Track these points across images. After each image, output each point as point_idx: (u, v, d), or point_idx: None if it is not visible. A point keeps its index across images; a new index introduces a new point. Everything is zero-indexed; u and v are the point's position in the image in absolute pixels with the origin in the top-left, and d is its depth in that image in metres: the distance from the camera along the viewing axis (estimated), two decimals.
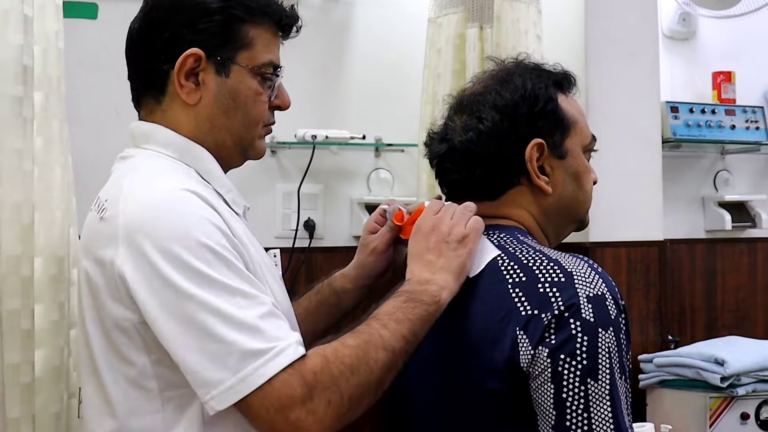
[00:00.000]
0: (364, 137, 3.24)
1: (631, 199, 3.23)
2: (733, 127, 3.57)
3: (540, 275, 1.50)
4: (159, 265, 1.44)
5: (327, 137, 3.15)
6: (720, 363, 2.92)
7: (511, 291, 1.51)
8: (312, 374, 1.40)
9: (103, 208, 1.56)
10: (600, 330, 1.45)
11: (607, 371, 1.45)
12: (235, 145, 1.68)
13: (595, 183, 1.69)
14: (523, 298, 1.50)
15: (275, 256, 1.78)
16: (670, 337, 3.32)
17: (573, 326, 1.45)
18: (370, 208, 3.27)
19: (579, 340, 1.44)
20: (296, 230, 3.21)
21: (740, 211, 3.75)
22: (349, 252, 3.03)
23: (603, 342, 1.45)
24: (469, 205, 1.62)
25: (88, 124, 2.88)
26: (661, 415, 3.08)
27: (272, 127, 1.73)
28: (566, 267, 1.50)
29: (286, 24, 1.70)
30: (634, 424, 2.80)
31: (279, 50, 1.71)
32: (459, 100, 1.66)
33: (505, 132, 1.59)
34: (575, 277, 1.48)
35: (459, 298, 1.57)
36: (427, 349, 1.56)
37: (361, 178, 3.36)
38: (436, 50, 3.07)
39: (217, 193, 1.65)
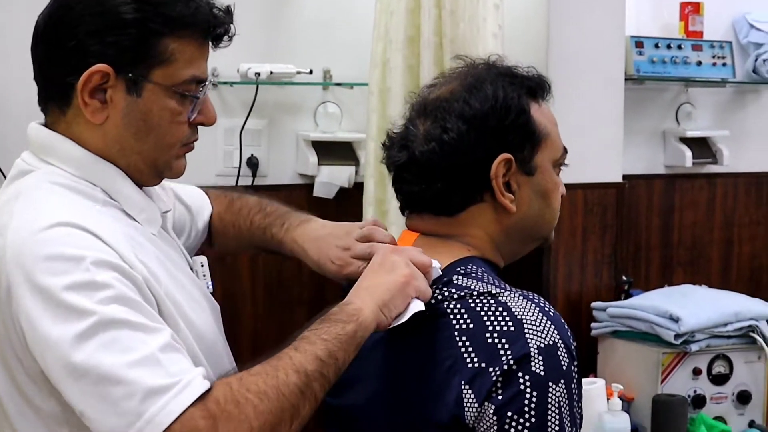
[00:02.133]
0: (311, 72, 3.16)
1: (590, 140, 3.19)
2: (699, 63, 3.52)
3: (488, 323, 1.44)
4: (42, 309, 1.35)
5: (271, 73, 3.08)
6: (675, 320, 2.90)
7: (457, 339, 1.45)
8: (215, 404, 1.32)
9: None
10: (551, 384, 1.40)
11: (557, 428, 1.41)
12: (148, 167, 1.57)
13: (562, 197, 1.64)
14: (470, 348, 1.44)
15: (202, 265, 1.67)
16: (624, 278, 3.29)
17: (522, 381, 1.40)
18: (317, 144, 3.26)
19: (528, 396, 1.39)
20: (239, 168, 3.19)
21: (702, 146, 3.72)
22: (294, 190, 3.27)
23: (553, 397, 1.40)
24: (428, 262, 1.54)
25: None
26: (612, 366, 3.08)
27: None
28: (516, 314, 1.44)
29: (216, 34, 1.56)
30: (584, 379, 2.85)
31: (206, 61, 1.56)
32: (423, 103, 1.59)
33: (471, 145, 1.53)
34: (525, 325, 1.43)
35: (404, 338, 1.51)
36: (372, 384, 1.54)
37: (308, 112, 3.30)
38: None
39: (126, 214, 1.55)
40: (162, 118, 1.52)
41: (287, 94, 3.24)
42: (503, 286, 1.50)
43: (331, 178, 3.25)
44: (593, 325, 3.13)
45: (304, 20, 3.23)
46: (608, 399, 2.86)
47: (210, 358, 1.54)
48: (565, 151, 1.63)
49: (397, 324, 1.46)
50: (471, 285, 1.50)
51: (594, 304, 3.14)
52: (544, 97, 1.61)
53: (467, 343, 1.43)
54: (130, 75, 1.50)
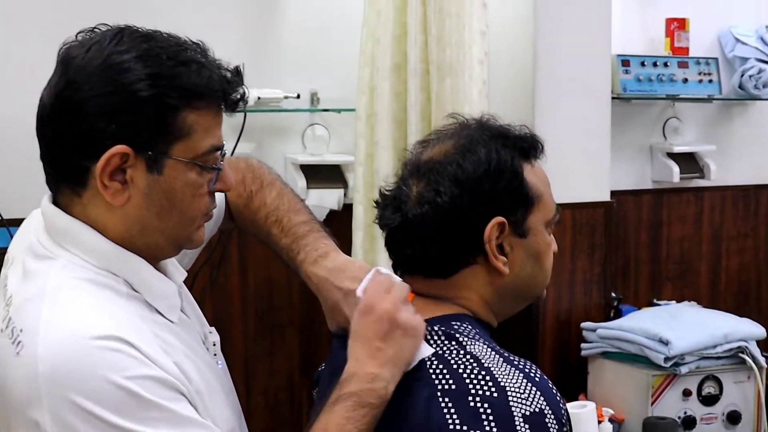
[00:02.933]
0: (298, 96, 3.15)
1: (578, 158, 3.20)
2: (685, 80, 3.53)
3: (471, 387, 1.42)
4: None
5: (259, 99, 3.05)
6: (664, 342, 2.90)
7: (440, 399, 1.43)
8: None
9: (18, 340, 1.38)
10: None
11: None
12: (169, 244, 1.51)
13: (554, 254, 1.63)
14: (452, 410, 1.41)
15: (215, 344, 1.61)
16: (613, 295, 3.30)
17: None
18: (305, 168, 3.23)
19: None
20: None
21: (689, 161, 3.72)
22: None
23: None
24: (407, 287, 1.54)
25: None
26: (602, 387, 3.09)
27: None
28: (499, 379, 1.41)
29: (229, 100, 1.49)
30: (570, 403, 2.86)
31: (220, 127, 1.51)
32: (416, 164, 1.57)
33: (465, 208, 1.51)
34: (509, 393, 1.40)
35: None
36: None
37: (296, 135, 3.28)
38: (376, 11, 2.97)
39: (149, 304, 1.49)
40: (185, 193, 1.46)
41: (274, 116, 3.21)
42: (491, 348, 1.48)
43: (321, 201, 3.22)
44: (583, 345, 3.14)
45: (289, 43, 3.20)
46: (599, 423, 2.88)
47: None
48: (558, 210, 1.62)
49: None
50: (460, 339, 1.49)
51: (584, 325, 3.15)
52: (537, 157, 1.60)
53: (450, 405, 1.41)
54: (150, 153, 1.43)
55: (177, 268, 1.60)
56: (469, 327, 1.53)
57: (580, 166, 3.19)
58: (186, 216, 1.48)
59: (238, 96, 1.50)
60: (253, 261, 3.22)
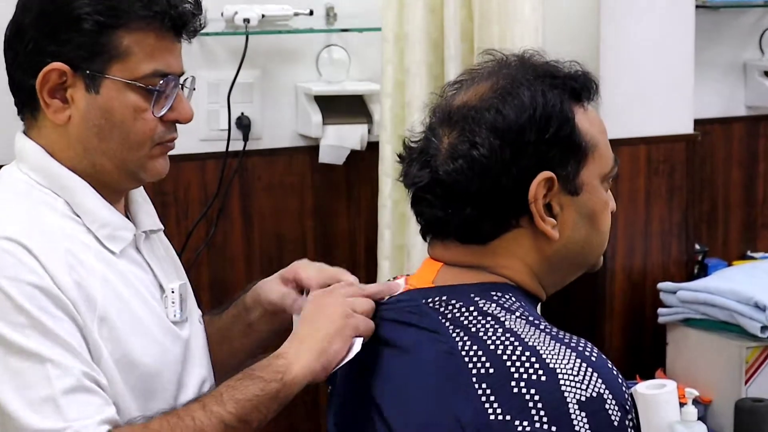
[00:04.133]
0: (311, 13, 3.15)
1: (653, 81, 3.14)
2: None
3: (513, 369, 1.44)
4: None
5: (263, 17, 3.07)
6: (761, 308, 2.82)
7: (476, 386, 1.45)
8: None
9: None
10: None
11: None
12: (117, 169, 1.71)
13: (612, 213, 1.64)
14: (492, 398, 1.43)
15: (173, 291, 1.78)
16: (697, 247, 3.27)
17: None
18: (321, 99, 3.22)
19: None
20: (228, 130, 3.15)
21: None
22: (295, 156, 3.33)
23: None
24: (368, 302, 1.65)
25: None
26: (684, 361, 3.05)
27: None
28: (547, 360, 1.44)
29: (175, 24, 1.70)
30: (645, 381, 2.72)
31: (176, 54, 1.72)
32: (446, 110, 1.59)
33: (506, 163, 1.54)
34: (561, 376, 1.42)
35: (400, 387, 1.54)
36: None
37: (309, 60, 3.28)
38: None
39: (88, 229, 1.69)
40: (124, 114, 1.68)
41: (283, 38, 3.21)
42: (533, 326, 1.50)
43: (340, 140, 3.23)
44: (661, 310, 3.08)
45: None
46: (681, 405, 2.72)
47: (147, 389, 1.68)
48: (616, 162, 1.63)
49: (337, 368, 1.57)
50: (498, 315, 1.52)
51: (661, 285, 3.09)
52: (591, 98, 1.61)
53: (488, 392, 1.43)
54: (87, 72, 1.66)
55: (150, 216, 1.82)
56: (513, 299, 1.56)
57: (656, 90, 3.15)
58: (129, 139, 1.69)
59: (185, 20, 1.69)
60: (258, 214, 3.27)
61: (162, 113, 1.70)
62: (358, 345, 1.58)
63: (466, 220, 1.57)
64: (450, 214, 1.57)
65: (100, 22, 1.65)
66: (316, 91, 3.21)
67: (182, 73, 1.74)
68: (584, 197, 1.59)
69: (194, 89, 1.80)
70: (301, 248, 3.28)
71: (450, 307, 1.56)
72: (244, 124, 3.22)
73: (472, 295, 1.56)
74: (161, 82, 1.68)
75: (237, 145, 3.19)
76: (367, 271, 3.28)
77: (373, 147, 3.19)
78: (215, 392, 1.59)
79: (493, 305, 1.55)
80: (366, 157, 3.26)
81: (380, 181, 3.09)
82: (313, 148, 3.28)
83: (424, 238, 1.64)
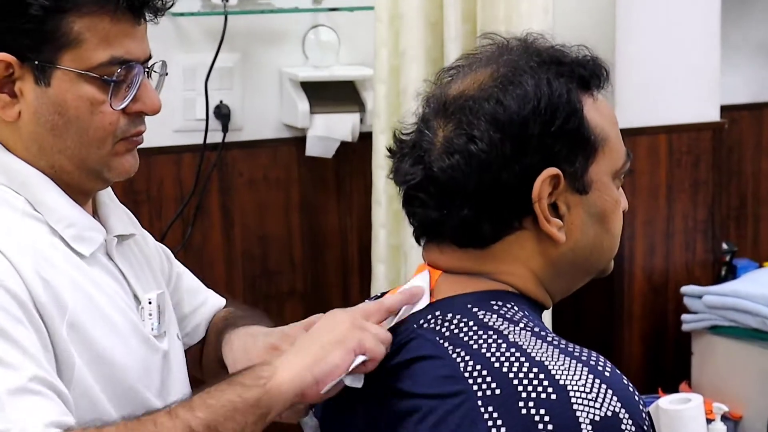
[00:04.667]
0: None
1: (676, 66, 3.15)
2: None
3: (521, 388, 1.43)
4: None
5: None
6: None
7: (482, 409, 1.43)
8: None
9: None
10: None
11: None
12: (77, 169, 1.68)
13: (624, 213, 1.64)
14: (498, 421, 1.42)
15: (150, 302, 1.76)
16: (725, 247, 3.28)
17: None
18: (308, 85, 3.21)
19: None
20: (206, 120, 3.16)
21: None
22: (280, 148, 3.31)
23: None
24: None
25: None
26: (711, 373, 3.04)
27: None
28: (557, 377, 1.43)
29: (132, 5, 1.65)
30: (669, 396, 2.82)
31: (138, 37, 1.67)
32: (442, 100, 1.58)
33: (507, 159, 1.52)
34: (572, 393, 1.41)
35: (398, 412, 1.52)
36: None
37: (294, 42, 3.27)
38: None
39: (53, 230, 1.67)
40: (79, 108, 1.64)
41: (266, 18, 3.20)
42: (540, 338, 1.50)
43: (329, 131, 3.22)
44: (685, 317, 3.08)
45: None
46: (708, 421, 2.82)
47: (127, 399, 1.66)
48: (629, 156, 1.62)
49: (329, 390, 1.50)
50: (500, 328, 1.51)
51: (685, 289, 3.09)
52: (601, 87, 1.59)
53: (494, 415, 1.43)
54: (35, 62, 1.62)
55: (122, 221, 1.79)
56: (515, 308, 1.56)
57: (678, 74, 3.15)
58: (87, 135, 1.65)
59: (144, 1, 1.66)
60: (240, 212, 3.27)
61: (123, 105, 1.66)
62: (359, 360, 1.52)
63: (463, 222, 1.55)
64: (445, 215, 1.56)
65: (46, 7, 1.61)
66: (303, 76, 3.19)
67: (148, 59, 1.69)
68: (593, 196, 1.58)
69: (166, 74, 1.75)
70: (287, 250, 3.28)
71: (447, 324, 1.54)
72: (223, 114, 3.21)
73: (470, 306, 1.54)
74: (119, 70, 1.64)
75: (216, 137, 3.18)
76: (360, 276, 3.30)
77: (365, 138, 3.19)
78: (187, 398, 1.54)
79: (494, 316, 1.53)
80: (358, 149, 3.24)
81: (374, 176, 3.10)
82: (299, 140, 3.26)
83: (418, 241, 1.63)
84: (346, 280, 3.35)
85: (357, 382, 1.52)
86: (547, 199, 1.54)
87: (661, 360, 3.17)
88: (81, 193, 1.71)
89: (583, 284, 1.65)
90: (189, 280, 2.02)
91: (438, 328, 1.54)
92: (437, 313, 1.55)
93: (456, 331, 1.52)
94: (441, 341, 1.52)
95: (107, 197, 1.79)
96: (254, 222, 3.27)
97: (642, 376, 3.07)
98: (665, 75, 3.12)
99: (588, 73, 1.58)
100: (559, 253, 1.58)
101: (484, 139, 1.52)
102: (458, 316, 1.53)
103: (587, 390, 1.41)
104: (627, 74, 3.05)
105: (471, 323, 1.52)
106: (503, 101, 1.53)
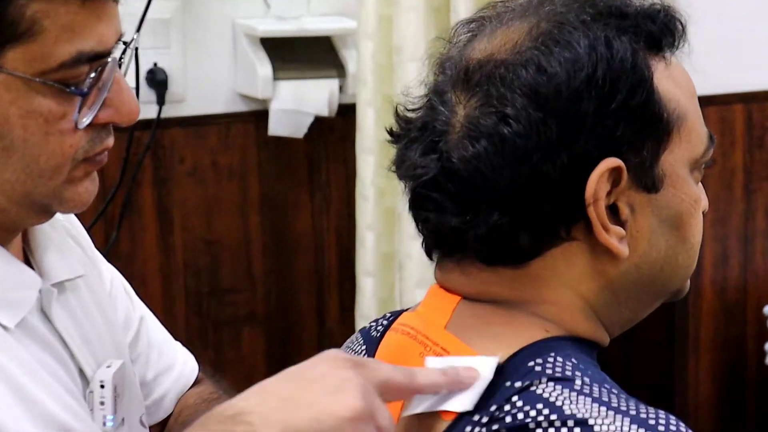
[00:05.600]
0: None
1: (754, 21, 3.13)
2: None
3: None
4: None
5: None
6: None
7: None
8: None
9: None
10: None
11: None
12: (16, 204, 1.53)
13: (704, 214, 1.57)
14: None
15: (102, 386, 1.61)
16: None
17: None
18: (270, 44, 3.18)
19: None
20: (136, 89, 3.05)
21: None
22: (234, 126, 3.31)
23: None
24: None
25: None
26: None
27: None
28: None
29: None
30: None
31: (113, 17, 1.50)
32: (461, 66, 1.51)
33: (552, 145, 1.45)
34: None
35: None
36: None
37: None
38: None
39: None
40: (28, 128, 1.48)
41: None
42: (600, 402, 1.42)
43: (298, 103, 3.17)
44: None
45: None
46: None
47: None
48: (712, 140, 1.53)
49: None
50: (569, 408, 1.41)
51: None
52: (676, 47, 1.50)
53: None
54: None
55: (64, 258, 1.66)
56: (561, 361, 1.48)
57: (759, 29, 3.12)
58: (38, 165, 1.50)
59: None
60: (181, 210, 3.23)
61: (90, 119, 1.50)
62: None
63: (492, 231, 1.47)
64: (469, 222, 1.48)
65: None
66: (263, 31, 3.15)
67: (119, 39, 1.54)
68: (666, 194, 1.49)
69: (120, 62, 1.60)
70: (244, 260, 3.25)
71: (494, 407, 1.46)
72: (157, 80, 3.15)
73: (512, 382, 1.44)
74: (92, 76, 1.47)
75: (149, 111, 3.09)
76: (340, 293, 3.27)
77: (347, 112, 3.17)
78: None
79: (561, 384, 1.42)
80: (337, 127, 3.22)
81: (359, 162, 3.05)
82: (259, 115, 3.22)
83: (430, 256, 1.55)
84: (322, 300, 3.31)
85: None
86: (605, 200, 1.45)
87: (738, 402, 3.15)
88: (8, 231, 1.58)
89: (651, 311, 1.58)
90: (153, 328, 1.93)
91: (480, 416, 1.44)
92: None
93: (505, 416, 1.42)
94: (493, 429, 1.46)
95: (40, 229, 1.67)
96: (200, 224, 3.22)
97: (714, 425, 3.03)
98: (745, 42, 3.12)
99: (658, 29, 1.48)
100: (620, 271, 1.50)
101: (521, 119, 1.44)
102: (501, 398, 1.44)
103: None
104: (700, 40, 2.98)
105: (521, 404, 1.42)
106: (546, 68, 1.45)
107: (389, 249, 3.03)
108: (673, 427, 1.39)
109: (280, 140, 3.20)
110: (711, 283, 3.08)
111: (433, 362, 1.49)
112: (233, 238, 3.23)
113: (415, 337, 1.53)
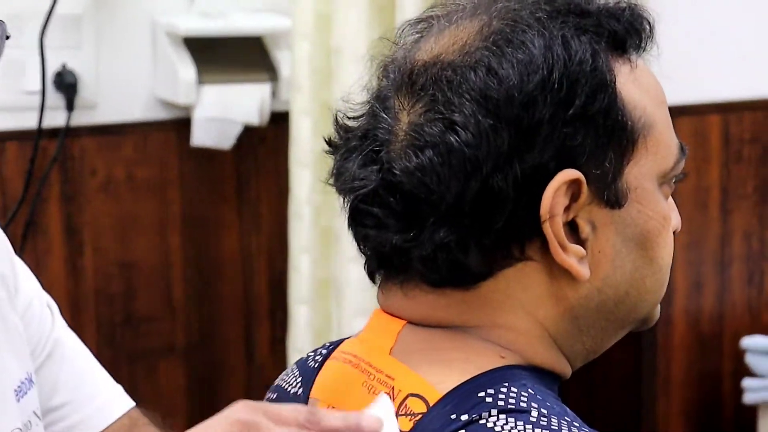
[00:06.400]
0: None
1: (732, 22, 3.14)
2: None
3: None
4: None
5: None
6: None
7: None
8: None
9: None
10: None
11: None
12: None
13: (675, 234, 1.57)
14: None
15: (23, 386, 1.68)
16: None
17: None
18: (194, 44, 3.18)
19: None
20: (42, 93, 3.07)
21: None
22: (152, 136, 3.31)
23: None
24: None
25: None
26: None
27: None
28: None
29: None
30: None
31: None
32: (405, 69, 1.52)
33: (504, 156, 1.45)
34: None
35: None
36: None
37: None
38: None
39: None
40: None
41: None
42: None
43: (225, 110, 3.16)
44: (747, 383, 3.06)
45: None
46: None
47: None
48: (683, 152, 1.54)
49: None
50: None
51: (748, 342, 3.08)
52: (642, 49, 1.50)
53: None
54: None
55: None
56: (515, 391, 1.47)
57: (738, 35, 3.13)
58: None
59: None
60: (92, 229, 3.20)
61: None
62: None
63: (438, 250, 1.46)
64: (412, 240, 1.46)
65: None
66: (186, 29, 3.13)
67: None
68: (631, 210, 1.48)
69: (7, 37, 1.60)
70: (163, 285, 3.23)
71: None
72: (67, 84, 3.13)
73: (458, 414, 1.43)
74: None
75: (57, 118, 3.11)
76: (271, 323, 3.26)
77: (279, 120, 3.17)
78: None
79: (510, 416, 1.43)
80: (269, 137, 3.23)
81: (292, 177, 3.06)
82: (181, 123, 3.21)
83: (372, 278, 1.55)
84: (250, 331, 3.31)
85: None
86: (562, 216, 1.44)
87: None
88: None
89: (615, 341, 1.56)
90: (75, 356, 1.93)
91: None
92: None
93: None
94: None
95: None
96: (114, 244, 3.21)
97: None
98: (719, 34, 3.13)
99: (623, 28, 1.49)
100: (580, 295, 1.49)
101: (470, 126, 1.44)
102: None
103: None
104: (664, 31, 3.01)
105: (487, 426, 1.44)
106: (497, 70, 1.45)
107: (326, 274, 3.03)
108: None
109: (204, 152, 3.20)
110: (683, 312, 3.09)
111: (386, 399, 1.47)
112: (151, 261, 3.22)
113: (358, 365, 1.51)
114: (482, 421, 1.42)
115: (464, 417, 1.42)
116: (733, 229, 3.13)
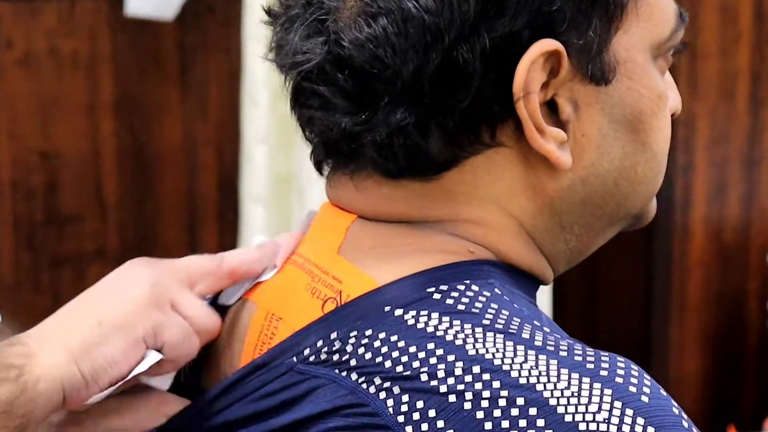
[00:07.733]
0: None
1: None
2: None
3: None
4: None
5: None
6: None
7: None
8: None
9: None
10: None
11: None
12: None
13: (674, 117, 1.57)
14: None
15: None
16: None
17: None
18: None
19: None
20: None
21: None
22: (79, 6, 3.42)
23: None
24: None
25: None
26: None
27: None
28: (563, 414, 1.32)
29: None
30: None
31: None
32: None
33: (470, 24, 1.45)
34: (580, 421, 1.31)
35: None
36: None
37: None
38: None
39: None
40: None
41: None
42: (536, 348, 1.44)
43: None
44: None
45: None
46: None
47: None
48: (682, 18, 1.53)
49: (98, 398, 1.46)
50: (455, 338, 1.45)
51: None
52: None
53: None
54: None
55: None
56: (474, 291, 1.48)
57: None
58: None
59: None
60: (7, 110, 3.26)
61: None
62: (150, 361, 1.47)
63: (394, 134, 1.45)
64: (364, 123, 1.46)
65: None
66: None
67: None
68: (620, 87, 1.49)
69: None
70: (92, 178, 3.30)
71: (360, 346, 1.46)
72: None
73: (401, 314, 1.44)
74: None
75: None
76: (219, 225, 3.36)
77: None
78: None
79: (449, 319, 1.44)
80: (218, 6, 3.31)
81: (246, 53, 3.13)
82: None
83: (319, 169, 1.53)
84: (195, 234, 3.39)
85: (162, 383, 1.50)
86: (539, 94, 1.44)
87: (735, 378, 3.28)
88: None
89: (604, 241, 1.57)
90: None
91: (341, 356, 1.44)
92: (345, 329, 1.45)
93: (377, 358, 1.43)
94: (361, 381, 1.42)
95: None
96: (34, 131, 3.26)
97: (703, 405, 3.16)
98: None
99: None
100: (561, 187, 1.51)
101: None
102: (383, 331, 1.44)
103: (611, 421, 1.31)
104: None
105: (404, 344, 1.43)
106: None
107: (285, 168, 3.09)
108: (621, 371, 1.38)
109: (141, 23, 3.27)
110: (703, 221, 3.20)
111: (261, 243, 1.55)
112: (78, 151, 3.28)
113: (302, 266, 1.50)
114: (410, 321, 1.46)
115: (398, 312, 1.44)
116: (764, 124, 3.21)
